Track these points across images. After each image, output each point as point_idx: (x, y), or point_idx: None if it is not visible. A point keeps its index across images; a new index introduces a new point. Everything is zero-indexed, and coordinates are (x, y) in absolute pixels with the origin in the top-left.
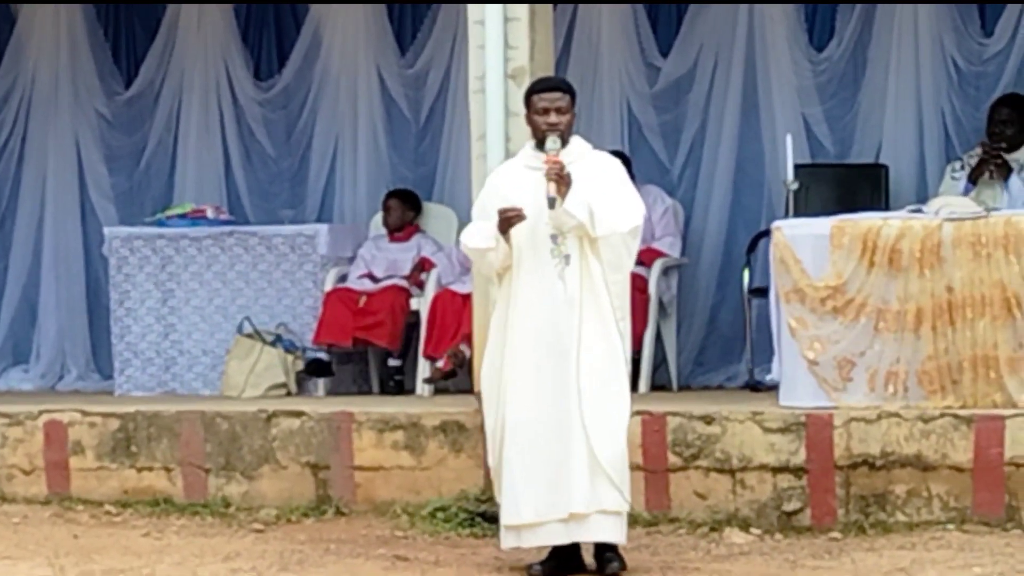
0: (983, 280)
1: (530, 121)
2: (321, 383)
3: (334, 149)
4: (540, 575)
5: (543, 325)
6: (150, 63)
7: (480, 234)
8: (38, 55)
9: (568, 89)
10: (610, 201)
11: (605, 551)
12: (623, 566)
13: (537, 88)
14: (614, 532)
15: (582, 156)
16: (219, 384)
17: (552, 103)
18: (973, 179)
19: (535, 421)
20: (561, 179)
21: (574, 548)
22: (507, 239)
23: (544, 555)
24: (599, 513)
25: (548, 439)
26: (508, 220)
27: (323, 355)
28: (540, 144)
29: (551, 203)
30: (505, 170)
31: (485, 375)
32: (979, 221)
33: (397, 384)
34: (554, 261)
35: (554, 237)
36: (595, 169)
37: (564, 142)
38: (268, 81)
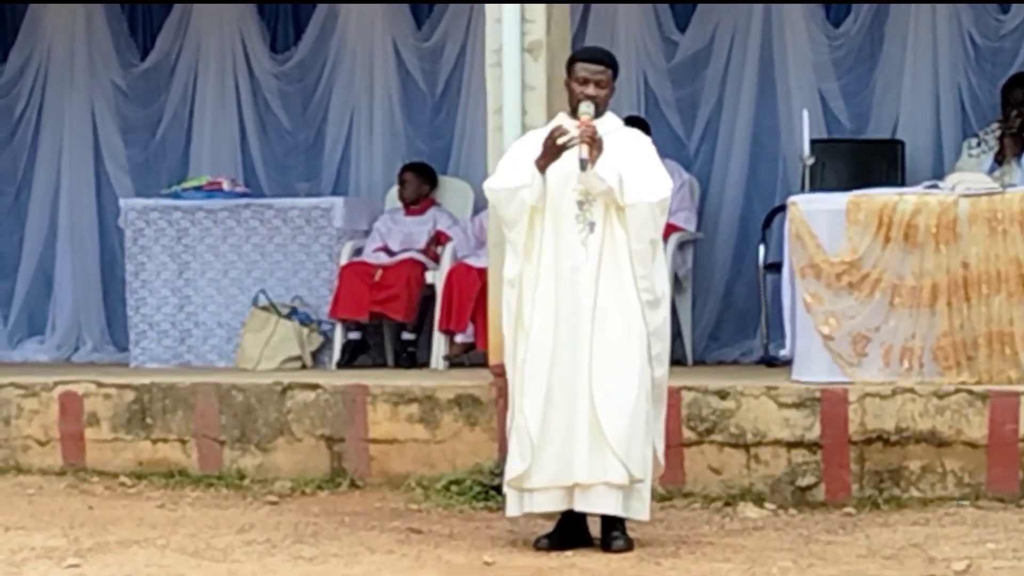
0: (999, 256)
1: (568, 88)
2: (336, 357)
3: (350, 122)
4: (547, 548)
5: (562, 291)
6: (166, 35)
7: (511, 174)
8: (55, 26)
9: (612, 64)
10: (640, 172)
11: (612, 528)
12: (629, 544)
13: (581, 56)
14: (614, 505)
15: (614, 131)
16: (234, 356)
17: (593, 75)
18: (999, 159)
19: (549, 387)
20: (594, 142)
21: (581, 522)
22: (544, 176)
23: (551, 528)
24: (602, 485)
25: (558, 406)
26: (555, 145)
27: (355, 335)
28: (574, 112)
29: (583, 165)
30: (535, 136)
31: (519, 347)
32: (995, 197)
33: (410, 357)
34: (578, 227)
35: (580, 204)
36: (626, 144)
37: (598, 114)
38: (284, 54)
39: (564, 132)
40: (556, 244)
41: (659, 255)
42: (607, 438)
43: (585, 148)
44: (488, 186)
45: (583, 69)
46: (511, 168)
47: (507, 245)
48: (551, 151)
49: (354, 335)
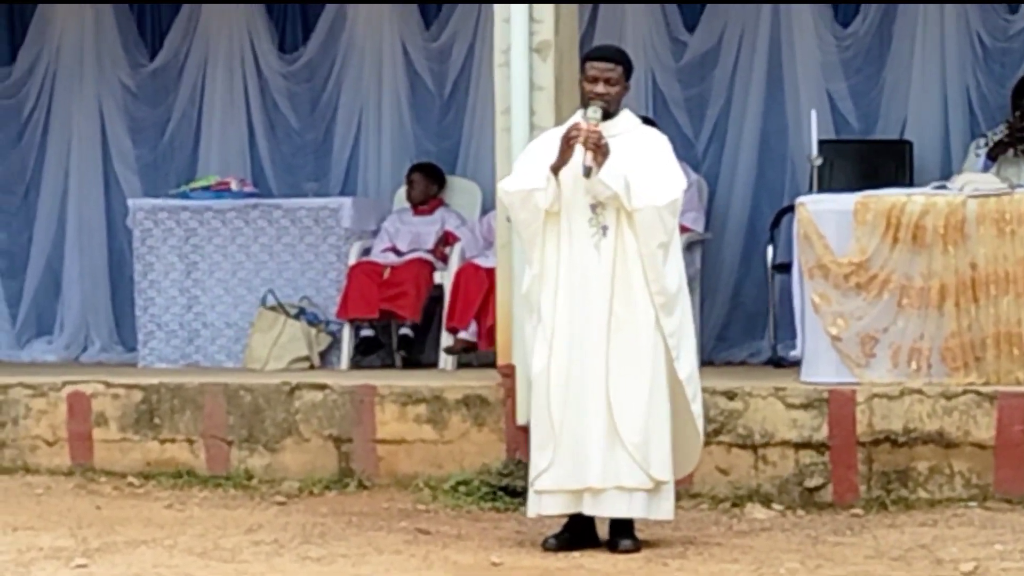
0: (1007, 257)
1: (582, 87)
2: (345, 357)
3: (358, 122)
4: (555, 548)
5: (576, 295)
6: (175, 35)
7: (526, 176)
8: (63, 26)
9: (622, 60)
10: (649, 175)
11: (620, 529)
12: (637, 545)
13: (592, 55)
14: (626, 508)
15: (629, 130)
16: (242, 357)
17: (602, 72)
18: (993, 156)
19: (562, 391)
20: (598, 148)
21: (589, 523)
22: (558, 179)
23: (558, 529)
24: (616, 489)
25: (572, 411)
26: (570, 144)
27: (368, 332)
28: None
29: (586, 172)
30: (552, 135)
31: (536, 351)
32: (1003, 198)
33: (407, 350)
34: (591, 231)
35: (593, 207)
36: (640, 143)
37: (611, 114)
38: (293, 54)
39: (580, 131)
40: (569, 248)
41: (672, 255)
42: (624, 443)
43: (589, 155)
44: (502, 187)
45: (592, 67)
46: (526, 170)
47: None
48: (566, 152)
49: (367, 332)
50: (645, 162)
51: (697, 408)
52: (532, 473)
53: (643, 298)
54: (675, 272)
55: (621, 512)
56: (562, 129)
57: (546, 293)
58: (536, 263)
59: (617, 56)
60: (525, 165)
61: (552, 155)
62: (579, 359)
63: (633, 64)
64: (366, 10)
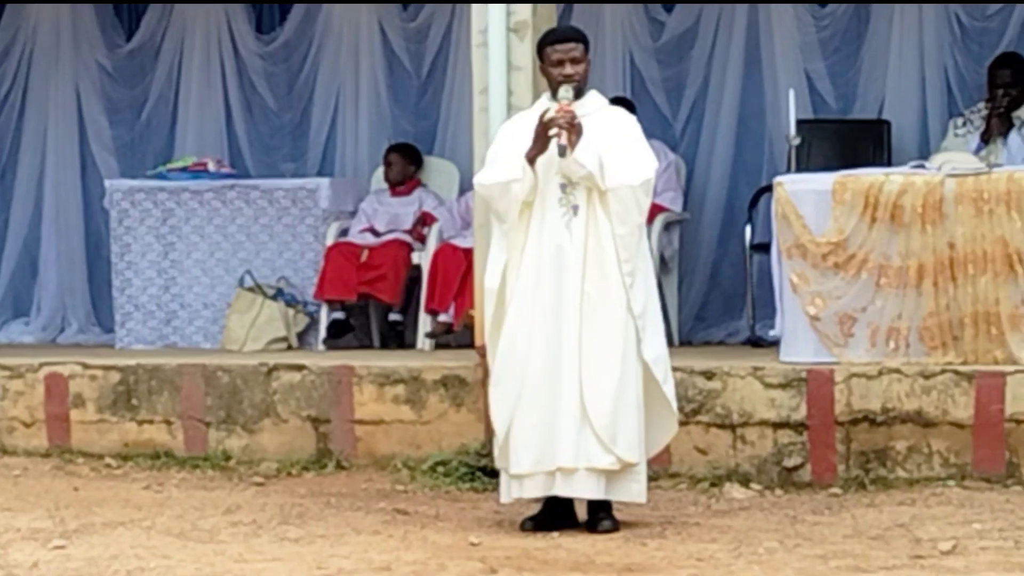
0: (985, 236)
1: (545, 73)
2: (322, 338)
3: (335, 103)
4: (533, 529)
5: (546, 275)
6: (152, 15)
7: (501, 168)
8: (40, 7)
9: (581, 38)
10: (622, 154)
11: (598, 509)
12: (615, 525)
13: (550, 39)
14: (596, 490)
15: (598, 110)
16: (220, 338)
17: (566, 54)
18: (985, 138)
19: (534, 371)
20: (572, 128)
21: (567, 504)
22: (533, 168)
23: (537, 510)
24: (586, 470)
25: (545, 390)
26: (546, 134)
27: (339, 314)
28: (555, 96)
29: (561, 151)
30: (519, 119)
31: (493, 330)
32: (981, 177)
33: (398, 336)
34: (561, 211)
35: (563, 187)
36: (609, 123)
37: (580, 93)
38: (270, 34)
39: (554, 121)
40: (539, 229)
41: (643, 235)
42: (592, 423)
43: (564, 134)
44: (478, 181)
45: (555, 51)
46: (501, 160)
47: (495, 240)
48: (542, 141)
49: (338, 315)
50: (616, 142)
51: (670, 389)
52: (507, 456)
53: (615, 278)
54: (646, 252)
55: (591, 493)
56: (533, 113)
57: (517, 273)
58: (506, 253)
59: (576, 35)
60: (498, 154)
61: (523, 141)
62: (547, 340)
63: (589, 38)
64: None
